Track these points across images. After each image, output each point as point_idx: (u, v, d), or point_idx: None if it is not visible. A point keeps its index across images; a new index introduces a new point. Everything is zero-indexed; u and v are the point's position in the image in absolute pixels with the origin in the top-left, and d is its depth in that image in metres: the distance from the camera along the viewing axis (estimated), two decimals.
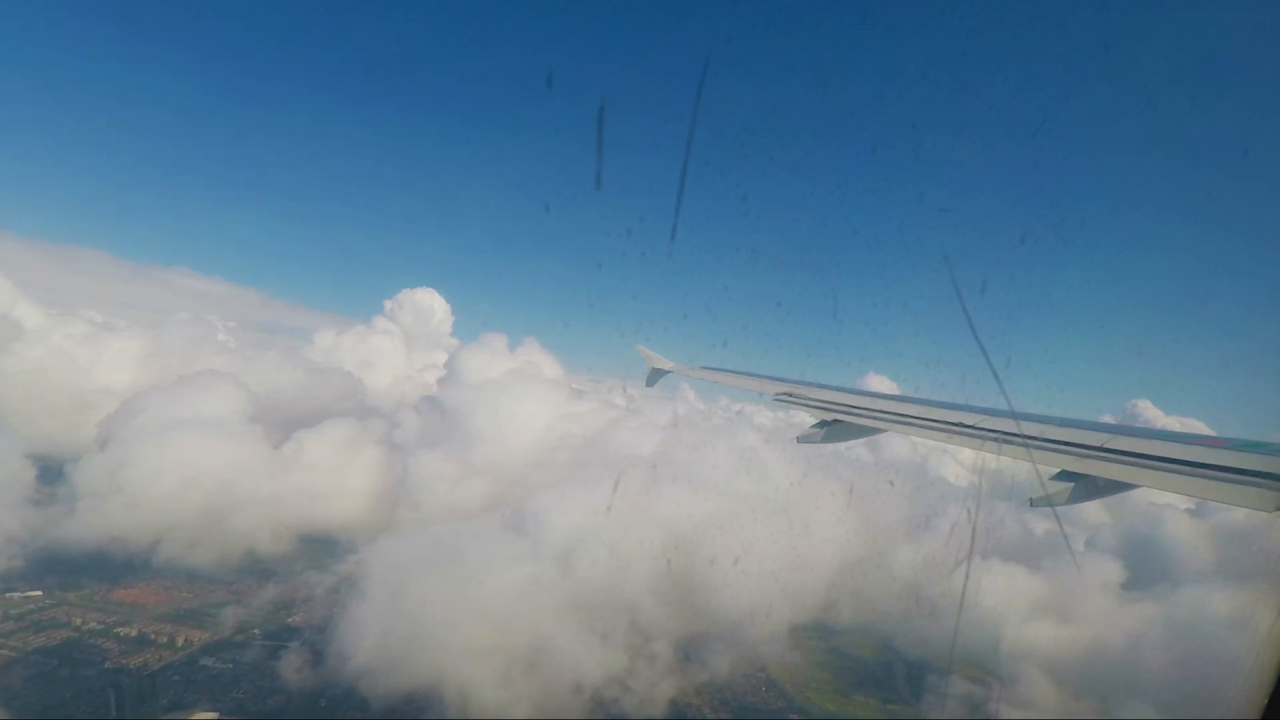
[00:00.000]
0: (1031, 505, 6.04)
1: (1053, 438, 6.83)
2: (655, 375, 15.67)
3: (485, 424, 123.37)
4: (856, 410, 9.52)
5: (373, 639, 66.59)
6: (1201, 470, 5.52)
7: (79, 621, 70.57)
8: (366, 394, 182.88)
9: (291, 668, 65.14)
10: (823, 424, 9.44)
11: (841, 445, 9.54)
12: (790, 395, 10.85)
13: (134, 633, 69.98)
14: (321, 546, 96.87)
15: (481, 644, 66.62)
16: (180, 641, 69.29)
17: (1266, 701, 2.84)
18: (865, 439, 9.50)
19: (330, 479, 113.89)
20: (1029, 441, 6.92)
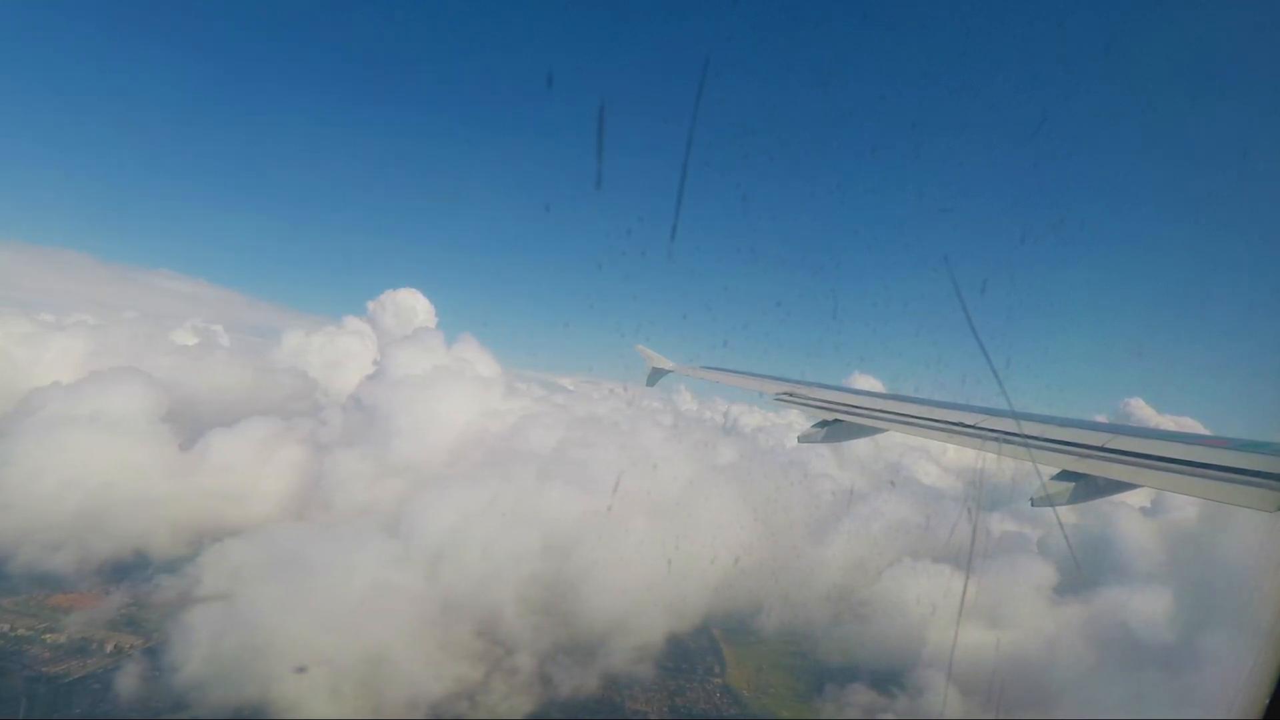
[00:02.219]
0: (1032, 505, 6.06)
1: (1053, 437, 6.84)
2: (655, 375, 15.68)
3: (407, 422, 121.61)
4: (857, 410, 9.53)
5: (208, 647, 63.74)
6: (1202, 470, 5.52)
7: (7, 628, 68.34)
8: (325, 394, 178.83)
9: (131, 677, 62.54)
10: (823, 424, 9.45)
11: (804, 445, 9.56)
12: (791, 395, 10.86)
13: (62, 639, 67.61)
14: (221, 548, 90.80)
15: (320, 654, 64.01)
16: (110, 648, 67.05)
17: (1267, 702, 2.84)
18: (834, 442, 9.52)
19: (241, 479, 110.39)
20: (1029, 441, 6.93)
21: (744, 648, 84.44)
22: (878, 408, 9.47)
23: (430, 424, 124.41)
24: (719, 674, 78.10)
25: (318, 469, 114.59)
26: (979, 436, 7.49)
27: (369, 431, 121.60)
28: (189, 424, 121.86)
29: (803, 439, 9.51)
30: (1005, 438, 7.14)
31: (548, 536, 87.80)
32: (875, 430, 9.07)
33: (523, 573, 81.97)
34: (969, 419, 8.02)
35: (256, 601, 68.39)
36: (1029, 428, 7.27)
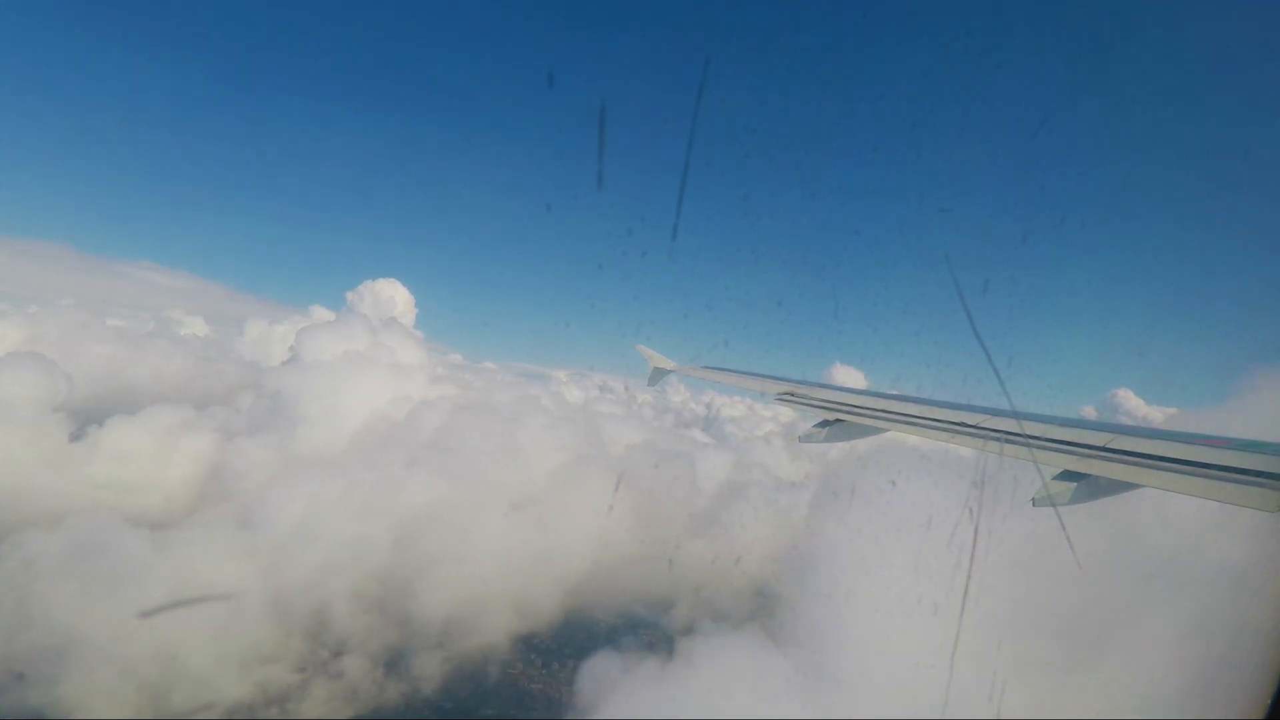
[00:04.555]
0: (1034, 505, 6.10)
1: (1055, 437, 6.87)
2: (657, 375, 15.68)
3: (314, 410, 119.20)
4: (858, 410, 9.54)
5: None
6: (1203, 470, 5.56)
7: None
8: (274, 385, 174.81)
9: None
10: (824, 424, 9.46)
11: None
12: (792, 395, 10.87)
13: None
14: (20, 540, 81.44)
15: (108, 655, 60.05)
16: None
17: (1270, 701, 2.86)
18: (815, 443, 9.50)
19: (135, 470, 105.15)
20: (1030, 441, 6.95)
21: (511, 653, 79.08)
22: (879, 408, 9.48)
23: (336, 412, 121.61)
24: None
25: (220, 458, 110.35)
26: (980, 436, 7.51)
27: (276, 420, 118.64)
28: (102, 414, 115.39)
29: (803, 439, 9.52)
30: (1006, 438, 7.16)
31: (422, 531, 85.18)
32: (876, 430, 9.08)
33: (370, 568, 78.63)
34: (970, 419, 8.03)
35: (51, 598, 63.82)
36: (1030, 428, 7.29)
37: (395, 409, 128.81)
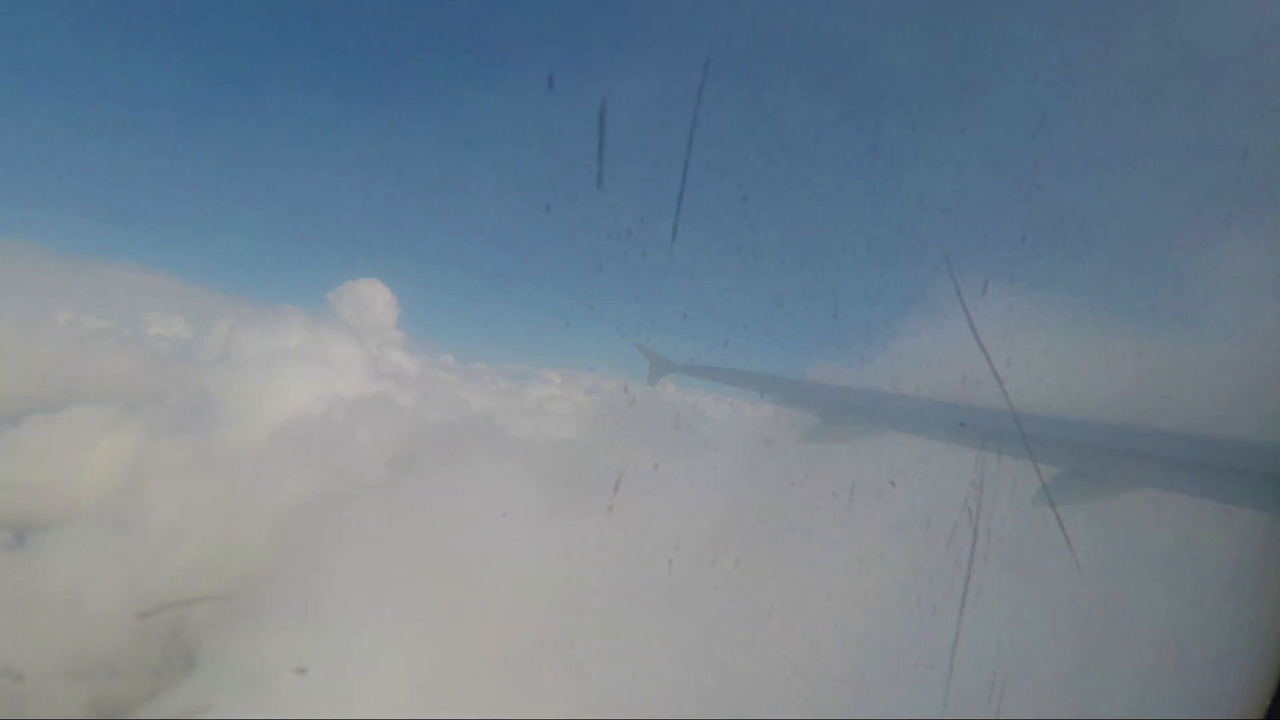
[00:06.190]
0: (1034, 505, 6.08)
1: (1054, 437, 6.86)
2: (656, 374, 15.72)
3: (237, 409, 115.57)
4: (858, 409, 9.55)
5: None
6: (1202, 470, 5.55)
7: None
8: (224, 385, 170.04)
9: None
10: (824, 423, 9.47)
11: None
12: (791, 395, 10.87)
13: None
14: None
15: None
16: None
17: (1268, 702, 2.85)
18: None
19: (44, 472, 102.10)
20: (1030, 441, 6.95)
21: None
22: (879, 407, 9.48)
23: (257, 411, 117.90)
24: None
25: (138, 458, 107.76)
26: (980, 436, 7.51)
27: (199, 419, 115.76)
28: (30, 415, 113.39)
29: (804, 439, 9.52)
30: (1006, 437, 7.15)
31: (297, 533, 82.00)
32: (876, 430, 9.08)
33: (241, 572, 75.21)
34: (970, 418, 8.03)
35: None
36: (1030, 427, 7.29)
37: (315, 409, 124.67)
